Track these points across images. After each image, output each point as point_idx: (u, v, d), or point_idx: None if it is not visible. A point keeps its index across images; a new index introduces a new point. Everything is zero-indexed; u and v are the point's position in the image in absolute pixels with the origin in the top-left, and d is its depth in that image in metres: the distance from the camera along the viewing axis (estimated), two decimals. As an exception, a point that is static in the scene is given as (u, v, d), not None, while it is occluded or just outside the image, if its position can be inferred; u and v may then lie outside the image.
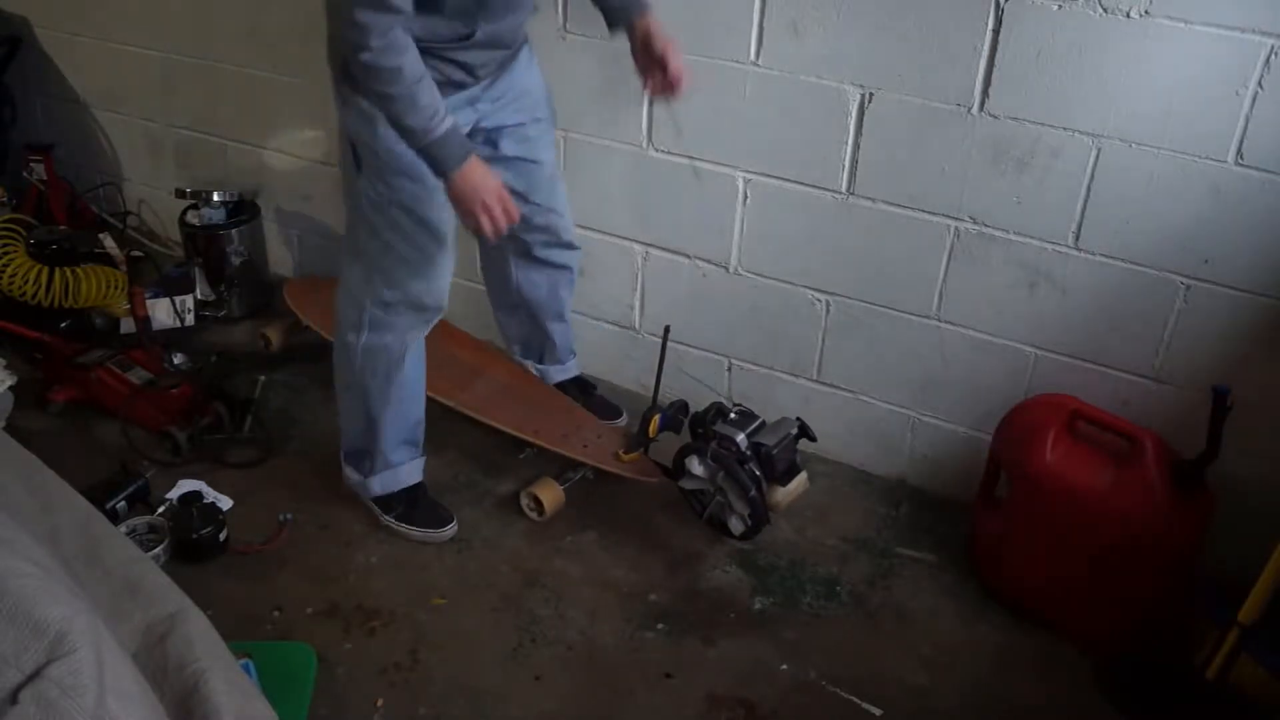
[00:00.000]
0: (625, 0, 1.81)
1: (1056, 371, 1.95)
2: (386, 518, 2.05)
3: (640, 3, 1.79)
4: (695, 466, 1.99)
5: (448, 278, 1.87)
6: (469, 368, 2.35)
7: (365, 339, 1.87)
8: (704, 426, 2.01)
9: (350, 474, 2.04)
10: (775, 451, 1.91)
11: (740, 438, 1.92)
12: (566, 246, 2.14)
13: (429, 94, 1.59)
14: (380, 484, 2.02)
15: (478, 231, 1.71)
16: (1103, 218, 1.80)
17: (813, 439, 2.02)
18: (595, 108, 2.18)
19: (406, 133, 1.62)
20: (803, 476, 1.97)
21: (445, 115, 1.60)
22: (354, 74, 1.62)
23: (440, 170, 1.65)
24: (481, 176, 1.67)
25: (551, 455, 2.13)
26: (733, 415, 1.98)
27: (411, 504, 2.05)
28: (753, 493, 1.88)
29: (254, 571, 1.92)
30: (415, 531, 2.03)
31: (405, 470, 2.03)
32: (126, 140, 3.06)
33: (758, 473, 1.91)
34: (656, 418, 2.04)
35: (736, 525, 1.97)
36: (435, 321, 1.92)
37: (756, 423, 1.97)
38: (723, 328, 2.29)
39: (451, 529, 2.03)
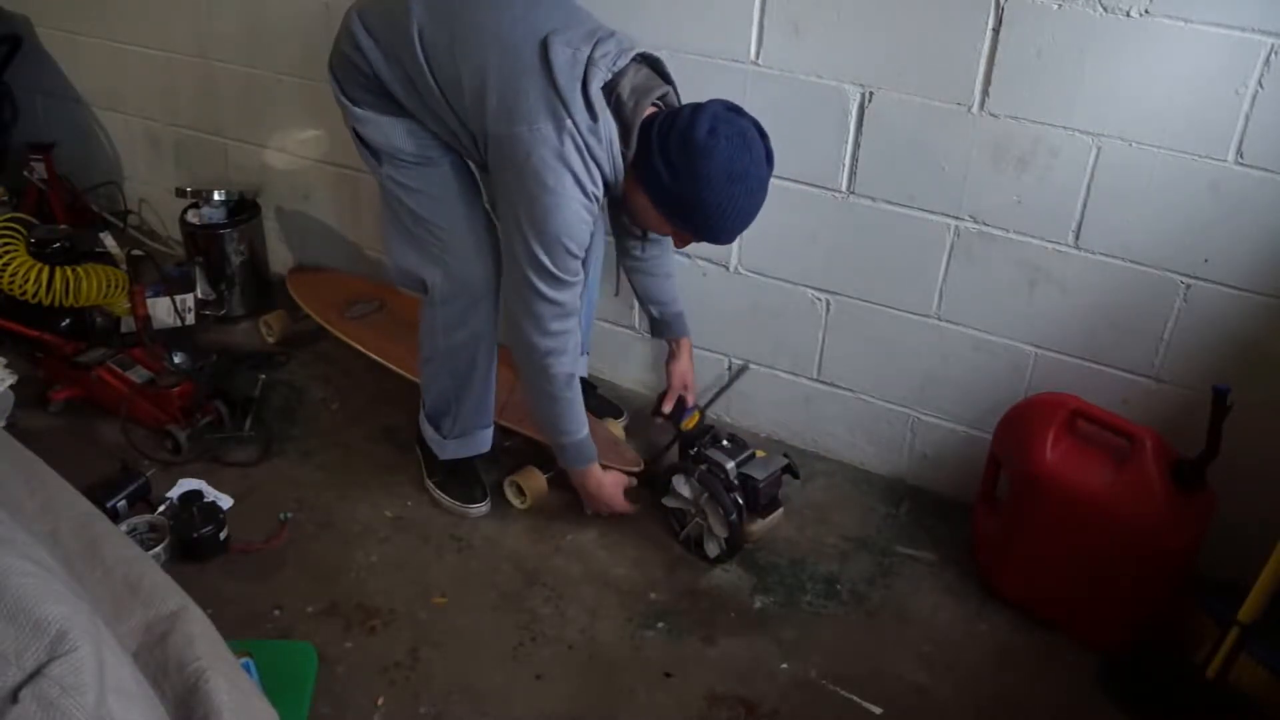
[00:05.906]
0: (669, 319, 2.15)
1: (1056, 370, 1.95)
2: (429, 480, 2.12)
3: (682, 327, 2.16)
4: (681, 486, 2.00)
5: (480, 251, 1.86)
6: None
7: (443, 312, 1.89)
8: (694, 446, 2.02)
9: (430, 432, 2.07)
10: (761, 485, 1.93)
11: (730, 465, 1.94)
12: None
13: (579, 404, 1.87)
14: (455, 448, 2.06)
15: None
16: (1103, 217, 1.80)
17: (796, 476, 2.05)
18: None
19: (552, 428, 1.89)
20: (780, 511, 2.00)
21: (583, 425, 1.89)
22: (525, 371, 1.83)
23: (565, 465, 1.96)
24: (596, 486, 1.97)
25: (541, 445, 2.12)
26: (725, 443, 2.00)
27: (451, 473, 2.09)
28: (734, 517, 1.89)
29: (254, 571, 1.92)
30: (446, 500, 2.09)
31: (479, 437, 2.07)
32: (127, 139, 3.06)
33: (740, 501, 1.92)
34: (698, 415, 2.14)
35: (712, 548, 1.98)
36: (492, 293, 1.89)
37: (747, 453, 1.99)
38: (723, 327, 2.29)
39: (479, 508, 2.08)
